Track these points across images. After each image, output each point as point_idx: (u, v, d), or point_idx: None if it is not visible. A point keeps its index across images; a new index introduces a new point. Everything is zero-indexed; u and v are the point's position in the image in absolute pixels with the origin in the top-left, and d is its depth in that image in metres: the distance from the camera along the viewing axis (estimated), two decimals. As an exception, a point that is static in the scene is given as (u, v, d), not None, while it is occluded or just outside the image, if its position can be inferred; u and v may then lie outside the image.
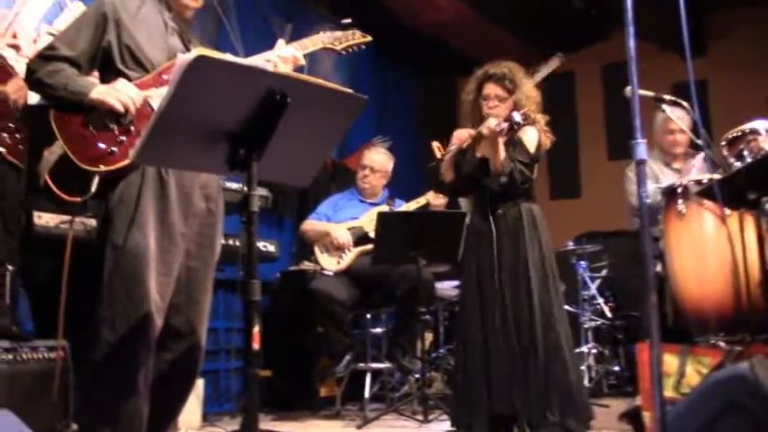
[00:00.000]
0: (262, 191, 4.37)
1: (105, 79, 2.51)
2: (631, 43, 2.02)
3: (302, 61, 2.68)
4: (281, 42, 2.70)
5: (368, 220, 4.72)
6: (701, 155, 4.35)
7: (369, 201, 4.99)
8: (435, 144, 4.69)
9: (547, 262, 3.48)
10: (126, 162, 2.38)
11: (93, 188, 2.40)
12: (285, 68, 2.59)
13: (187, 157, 1.98)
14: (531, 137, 3.57)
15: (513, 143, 3.55)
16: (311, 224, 4.91)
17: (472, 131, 3.57)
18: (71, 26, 2.57)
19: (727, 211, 3.29)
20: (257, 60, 2.60)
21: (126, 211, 2.41)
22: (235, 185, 3.80)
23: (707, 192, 3.27)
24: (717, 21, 6.82)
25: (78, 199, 2.50)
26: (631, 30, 2.02)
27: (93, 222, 3.19)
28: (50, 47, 2.51)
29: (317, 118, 2.00)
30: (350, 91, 2.00)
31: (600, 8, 6.52)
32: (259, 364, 1.90)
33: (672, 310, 3.62)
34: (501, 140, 3.44)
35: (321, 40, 2.76)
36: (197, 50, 2.51)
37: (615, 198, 4.93)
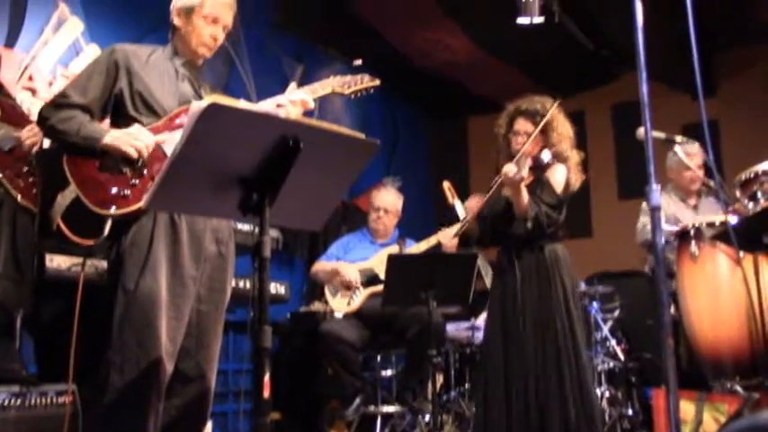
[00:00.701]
0: (273, 232, 4.36)
1: (117, 125, 2.53)
2: (644, 89, 2.00)
3: (311, 105, 2.70)
4: (292, 86, 2.72)
5: (378, 262, 4.69)
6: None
7: (379, 242, 4.97)
8: (446, 184, 4.70)
9: (571, 304, 3.36)
10: (138, 205, 2.39)
11: (106, 231, 2.40)
12: (295, 111, 2.60)
13: (200, 202, 1.97)
14: (560, 177, 3.45)
15: (541, 184, 3.43)
16: (321, 265, 4.89)
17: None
18: (82, 73, 2.60)
19: (741, 254, 3.25)
20: (268, 104, 2.62)
21: (138, 254, 2.41)
22: (246, 227, 3.79)
23: (722, 235, 3.24)
24: (726, 60, 6.82)
25: (91, 242, 2.51)
26: (644, 75, 2.01)
27: (104, 264, 3.18)
28: (62, 94, 2.54)
29: (329, 163, 1.99)
30: (362, 136, 1.99)
31: (610, 48, 6.56)
32: (269, 411, 1.87)
33: (686, 353, 3.57)
34: (523, 186, 3.33)
35: (330, 84, 2.78)
36: (209, 98, 2.53)
37: (626, 238, 4.90)
